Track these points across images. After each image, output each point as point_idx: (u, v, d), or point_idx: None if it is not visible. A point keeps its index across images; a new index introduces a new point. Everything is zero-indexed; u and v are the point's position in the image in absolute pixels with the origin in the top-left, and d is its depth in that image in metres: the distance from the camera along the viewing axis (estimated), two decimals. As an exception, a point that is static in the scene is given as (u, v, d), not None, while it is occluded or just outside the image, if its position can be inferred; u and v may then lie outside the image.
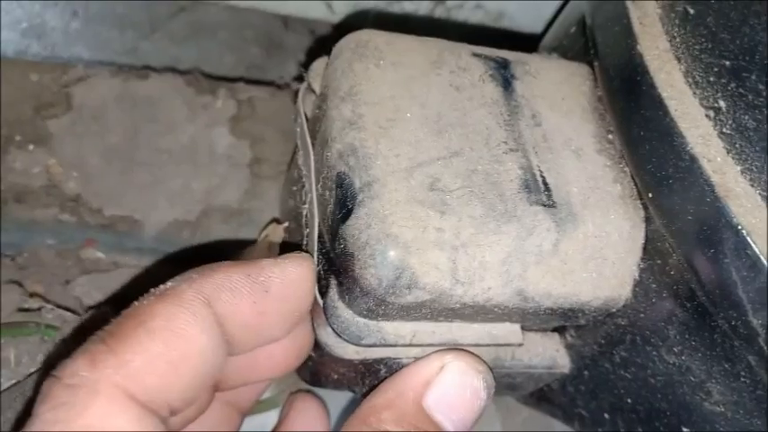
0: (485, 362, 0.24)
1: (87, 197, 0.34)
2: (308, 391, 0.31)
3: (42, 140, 0.35)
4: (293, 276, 0.24)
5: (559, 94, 0.26)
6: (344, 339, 0.23)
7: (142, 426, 0.20)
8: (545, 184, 0.23)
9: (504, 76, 0.26)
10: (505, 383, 0.29)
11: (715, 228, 0.20)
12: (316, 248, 0.25)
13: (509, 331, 0.25)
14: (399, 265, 0.21)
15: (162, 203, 0.35)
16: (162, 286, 0.22)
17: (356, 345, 0.24)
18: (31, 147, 0.34)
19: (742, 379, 0.21)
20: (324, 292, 0.24)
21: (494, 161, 0.23)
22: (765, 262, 0.19)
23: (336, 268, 0.23)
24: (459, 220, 0.22)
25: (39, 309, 0.30)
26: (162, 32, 0.42)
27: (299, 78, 0.29)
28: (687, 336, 0.22)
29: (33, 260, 0.33)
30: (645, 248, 0.24)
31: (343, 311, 0.24)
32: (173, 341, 0.21)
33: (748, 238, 0.19)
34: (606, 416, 0.27)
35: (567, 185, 0.24)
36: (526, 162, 0.24)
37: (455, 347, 0.25)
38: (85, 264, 0.34)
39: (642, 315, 0.24)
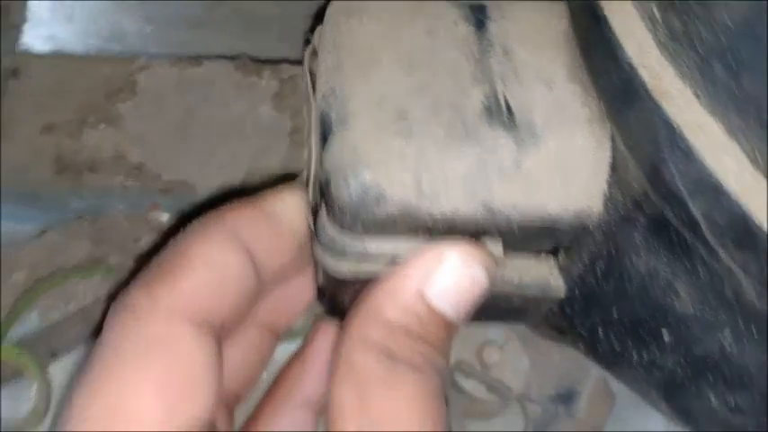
0: (483, 247, 0.25)
1: (149, 166, 0.38)
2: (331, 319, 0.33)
3: (111, 120, 0.39)
4: (290, 201, 0.27)
5: (534, 30, 0.27)
6: (331, 253, 0.26)
7: (200, 340, 0.23)
8: (508, 109, 0.25)
9: (478, 18, 0.27)
10: (505, 307, 0.30)
11: (655, 128, 0.20)
12: (311, 181, 0.27)
13: (492, 245, 0.26)
14: (366, 182, 0.23)
15: (212, 169, 0.39)
16: (189, 228, 0.26)
17: (341, 257, 0.26)
18: (102, 126, 0.39)
19: (700, 274, 0.22)
20: (316, 215, 0.26)
21: (459, 92, 0.25)
22: (697, 153, 0.19)
23: (323, 193, 0.25)
24: (421, 143, 0.24)
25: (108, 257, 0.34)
26: (217, 28, 0.46)
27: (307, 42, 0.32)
28: (650, 239, 0.23)
29: (107, 223, 0.38)
30: (612, 164, 0.24)
31: (330, 229, 0.26)
32: (213, 268, 0.24)
33: (681, 132, 0.20)
34: (600, 332, 0.28)
35: (532, 110, 0.25)
36: (491, 91, 0.25)
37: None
38: (152, 224, 0.38)
39: (614, 227, 0.24)
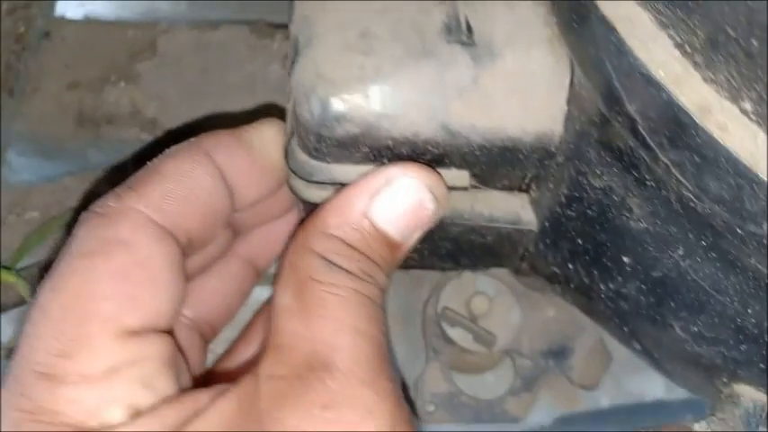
0: (436, 172, 0.25)
1: (162, 120, 0.40)
2: None
3: (131, 79, 0.41)
4: (268, 135, 0.28)
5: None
6: (299, 177, 0.26)
7: (163, 243, 0.24)
8: (468, 27, 0.25)
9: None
10: (478, 244, 0.29)
11: (593, 28, 0.20)
12: (289, 111, 0.28)
13: (456, 176, 0.26)
14: (326, 98, 0.24)
15: (223, 123, 0.40)
16: (167, 150, 0.27)
17: (311, 183, 0.26)
18: (122, 84, 0.41)
19: (647, 182, 0.21)
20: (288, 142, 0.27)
21: (422, 12, 0.25)
22: (627, 45, 0.19)
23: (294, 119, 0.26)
24: (380, 60, 0.24)
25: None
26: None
27: None
28: (602, 153, 0.22)
29: (122, 173, 0.40)
30: (571, 83, 0.24)
31: (300, 155, 0.26)
32: (182, 181, 0.25)
33: (613, 26, 0.19)
34: (570, 267, 0.27)
35: (492, 29, 0.25)
36: (453, 11, 0.25)
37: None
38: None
39: (573, 147, 0.24)
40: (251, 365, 0.23)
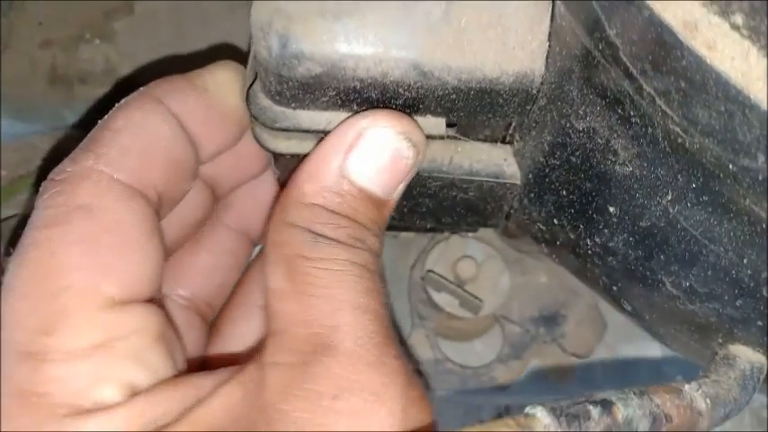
0: (408, 117, 0.23)
1: (138, 80, 0.38)
2: None
3: (106, 36, 0.40)
4: (224, 78, 0.26)
5: None
6: (262, 124, 0.24)
7: (131, 203, 0.22)
8: (439, -45, 0.22)
9: None
10: (460, 200, 0.28)
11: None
12: (251, 55, 0.26)
13: (431, 123, 0.24)
14: (283, 33, 0.22)
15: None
16: (117, 104, 0.25)
17: (276, 132, 0.24)
18: (96, 41, 0.39)
19: (632, 119, 0.19)
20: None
21: (389, -60, 0.23)
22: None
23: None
24: None
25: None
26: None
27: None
28: (585, 91, 0.20)
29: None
30: (552, 16, 0.22)
31: (263, 100, 0.24)
32: (138, 133, 0.23)
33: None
34: (556, 221, 0.25)
35: (465, -43, 0.23)
36: (423, -61, 0.23)
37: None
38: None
39: (554, 86, 0.22)
40: (253, 351, 0.22)
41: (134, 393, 0.20)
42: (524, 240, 0.30)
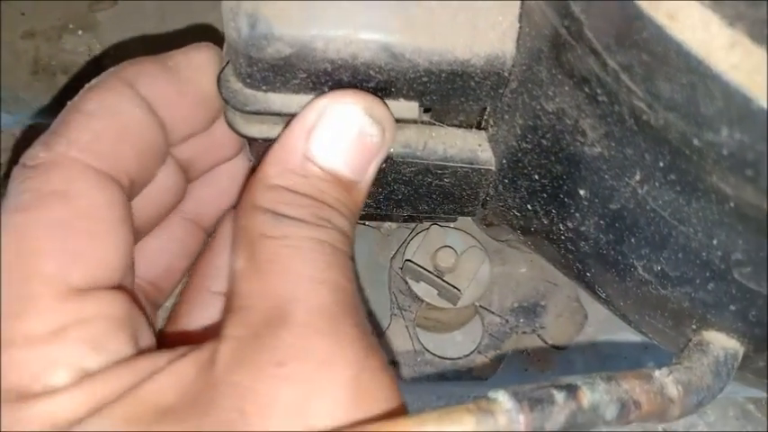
0: (371, 94, 0.22)
1: (120, 69, 0.38)
2: None
3: (90, 27, 0.39)
4: (198, 61, 0.25)
5: None
6: (233, 107, 0.24)
7: (104, 190, 0.22)
8: (408, -66, 0.22)
9: None
10: (435, 187, 0.27)
11: None
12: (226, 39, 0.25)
13: (404, 107, 0.24)
14: (252, 13, 0.21)
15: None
16: (86, 85, 0.25)
17: (248, 116, 0.24)
18: (80, 32, 0.39)
19: (599, 98, 0.18)
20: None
21: None
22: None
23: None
24: None
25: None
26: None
27: None
28: (554, 71, 0.20)
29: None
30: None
31: (234, 83, 0.24)
32: (110, 117, 0.23)
33: None
34: (529, 207, 0.25)
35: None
36: None
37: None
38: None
39: (525, 68, 0.21)
40: (214, 330, 0.21)
41: (85, 376, 0.20)
42: (502, 229, 0.29)
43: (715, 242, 0.19)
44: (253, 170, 0.29)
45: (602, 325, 0.33)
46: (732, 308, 0.20)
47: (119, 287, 0.22)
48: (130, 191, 0.23)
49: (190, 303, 0.28)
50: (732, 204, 0.17)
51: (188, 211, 0.29)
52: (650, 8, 0.15)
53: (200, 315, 0.28)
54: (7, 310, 0.20)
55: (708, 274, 0.20)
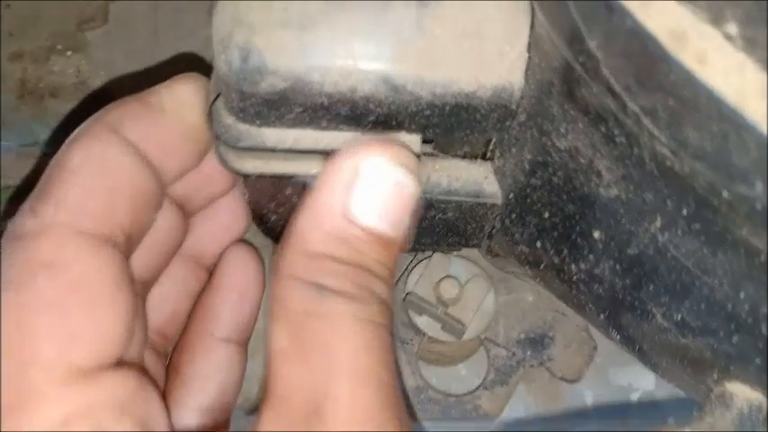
0: (397, 142, 0.21)
1: (112, 91, 0.37)
2: (243, 241, 0.29)
3: (79, 48, 0.38)
4: (183, 94, 0.23)
5: None
6: (225, 143, 0.22)
7: (97, 254, 0.20)
8: (410, -40, 0.21)
9: None
10: (439, 220, 0.26)
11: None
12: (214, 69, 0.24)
13: (407, 140, 0.22)
14: (244, 45, 0.20)
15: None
16: (69, 137, 0.23)
17: (241, 151, 0.22)
18: (69, 53, 0.38)
19: (617, 139, 0.17)
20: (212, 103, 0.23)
21: (357, -55, 0.21)
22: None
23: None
24: (307, 1, 0.20)
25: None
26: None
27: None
28: (566, 106, 0.18)
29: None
30: (532, 25, 0.20)
31: (226, 118, 0.22)
32: (98, 170, 0.21)
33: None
34: (539, 244, 0.23)
35: (439, -39, 0.21)
36: (393, -56, 0.21)
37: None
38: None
39: (534, 101, 0.20)
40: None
41: None
42: (509, 261, 0.28)
43: (742, 295, 0.17)
44: (249, 204, 0.27)
45: (613, 356, 0.32)
46: (758, 361, 0.19)
47: (124, 363, 0.21)
48: (128, 246, 0.22)
49: (192, 351, 0.27)
50: (763, 258, 0.16)
51: (188, 250, 0.27)
52: (677, 49, 0.14)
53: (205, 363, 0.26)
54: (7, 401, 0.19)
55: (733, 327, 0.18)
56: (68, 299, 0.20)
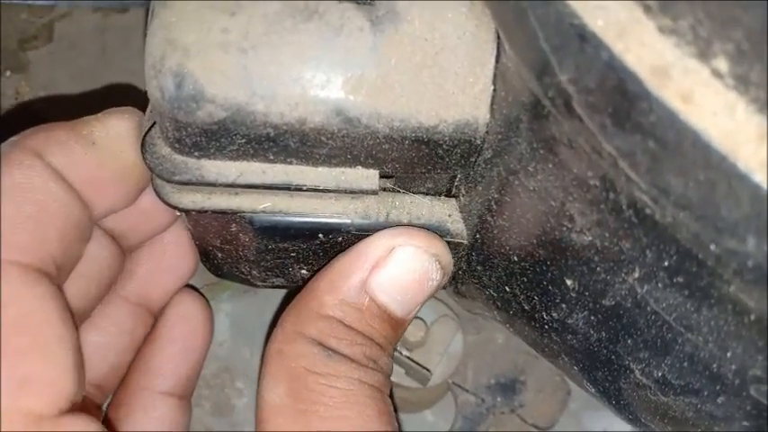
0: (440, 239, 0.21)
1: (52, 113, 0.34)
2: (192, 289, 0.27)
3: (20, 68, 0.35)
4: (117, 129, 0.22)
5: None
6: (158, 175, 0.20)
7: (32, 288, 0.19)
8: (365, -17, 0.19)
9: None
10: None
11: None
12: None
13: (361, 176, 0.21)
14: (178, 70, 0.18)
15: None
16: None
17: (170, 181, 0.20)
18: (8, 73, 0.35)
19: (591, 182, 0.15)
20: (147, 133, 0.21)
21: (307, -38, 0.19)
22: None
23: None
24: (249, 19, 0.18)
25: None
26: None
27: None
28: (535, 144, 0.17)
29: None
30: (497, 55, 0.18)
31: (161, 148, 0.20)
32: (21, 197, 0.20)
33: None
34: (507, 289, 0.22)
35: (396, -15, 0.19)
36: (347, -38, 0.19)
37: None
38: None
39: (501, 137, 0.18)
40: None
41: None
42: (477, 303, 0.26)
43: (729, 354, 0.16)
44: (194, 239, 0.25)
45: (588, 401, 0.30)
46: (745, 423, 0.17)
47: (77, 408, 0.19)
48: (59, 276, 0.20)
49: (130, 405, 0.24)
50: (753, 317, 0.14)
51: (133, 293, 0.25)
52: (659, 86, 0.12)
53: (145, 419, 0.25)
54: None
55: (718, 387, 0.17)
56: (11, 342, 0.18)
